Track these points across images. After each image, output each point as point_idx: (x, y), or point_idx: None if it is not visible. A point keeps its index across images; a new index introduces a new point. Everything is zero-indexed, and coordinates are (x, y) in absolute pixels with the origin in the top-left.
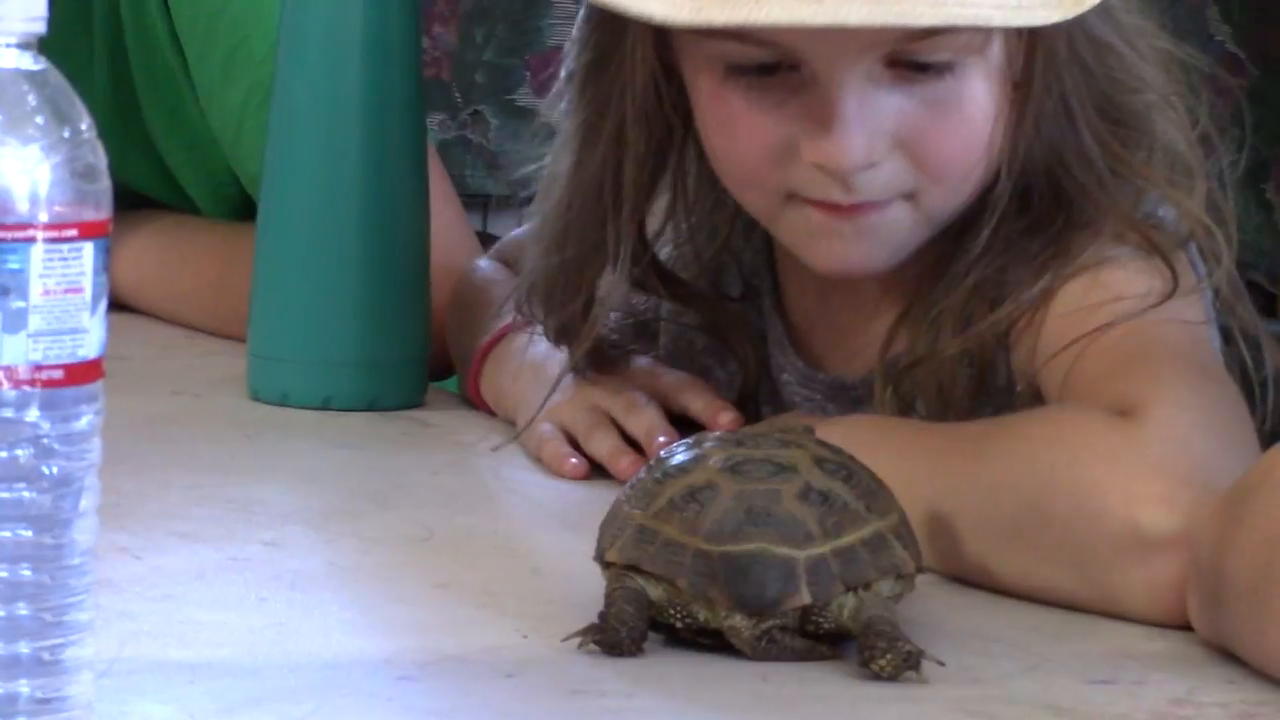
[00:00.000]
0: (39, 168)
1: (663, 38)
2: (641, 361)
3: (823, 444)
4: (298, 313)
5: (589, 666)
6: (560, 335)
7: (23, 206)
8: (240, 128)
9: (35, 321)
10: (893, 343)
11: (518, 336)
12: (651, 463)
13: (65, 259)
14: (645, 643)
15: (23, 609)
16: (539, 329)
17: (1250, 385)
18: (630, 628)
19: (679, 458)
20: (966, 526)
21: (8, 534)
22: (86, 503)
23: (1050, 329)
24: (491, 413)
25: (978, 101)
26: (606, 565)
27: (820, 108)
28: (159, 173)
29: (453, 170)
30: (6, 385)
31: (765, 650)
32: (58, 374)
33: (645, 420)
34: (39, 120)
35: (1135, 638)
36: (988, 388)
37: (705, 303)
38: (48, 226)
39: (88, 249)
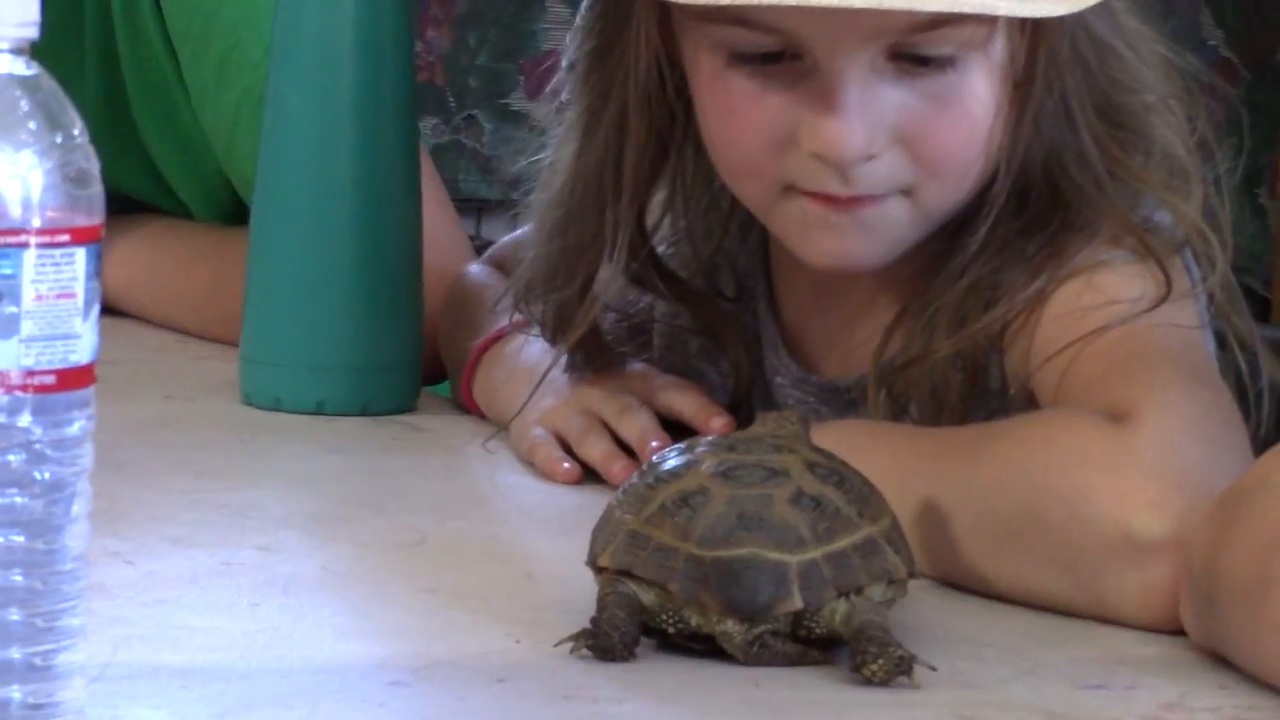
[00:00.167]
0: (31, 173)
1: (666, 25)
2: (635, 365)
3: (815, 449)
4: (290, 317)
5: (581, 672)
6: (556, 322)
7: (15, 212)
8: (234, 131)
9: (27, 327)
10: (887, 345)
11: (511, 340)
12: (644, 467)
13: (57, 264)
14: (637, 648)
15: (14, 614)
16: (533, 331)
17: (1246, 392)
18: (622, 633)
19: (671, 463)
20: (959, 531)
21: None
22: (78, 508)
23: (1044, 332)
24: (484, 417)
25: (979, 98)
26: (599, 570)
27: (822, 97)
28: (151, 177)
29: (446, 175)
30: None
31: (757, 655)
32: (50, 379)
33: (638, 425)
34: (31, 126)
35: (1128, 643)
36: (981, 390)
37: (700, 302)
38: (40, 232)
39: (80, 254)
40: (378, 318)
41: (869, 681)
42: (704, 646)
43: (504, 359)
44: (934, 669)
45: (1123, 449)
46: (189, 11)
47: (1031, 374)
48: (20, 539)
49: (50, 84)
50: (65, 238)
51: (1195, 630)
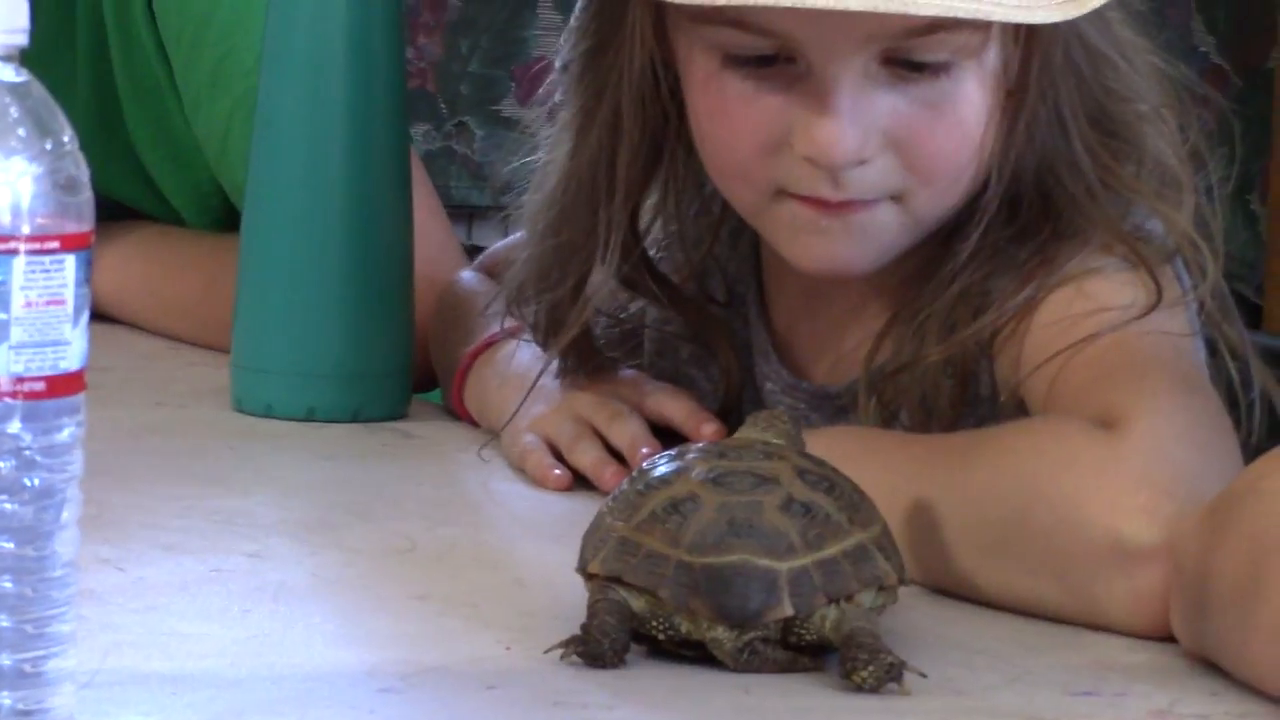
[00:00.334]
0: (21, 180)
1: (661, 26)
2: (625, 372)
3: (805, 455)
4: (281, 324)
5: (571, 678)
6: (548, 324)
7: (4, 219)
8: (227, 138)
9: (17, 333)
10: (877, 351)
11: (503, 346)
12: (634, 474)
13: (47, 271)
14: (627, 654)
15: (4, 621)
16: (525, 336)
17: (1237, 401)
18: (612, 639)
19: (662, 469)
20: (949, 538)
21: None
22: (68, 514)
23: (1034, 339)
24: (475, 424)
25: (971, 104)
26: (589, 577)
27: (815, 100)
28: (142, 183)
29: (438, 181)
30: None
31: (747, 662)
32: (39, 386)
33: (629, 431)
34: (21, 133)
35: (1118, 649)
36: (971, 397)
37: (691, 307)
38: (29, 239)
39: (70, 261)
40: (369, 324)
41: (859, 688)
42: (694, 653)
43: (495, 365)
44: (924, 675)
45: (1112, 456)
46: (182, 18)
47: (1022, 381)
48: (10, 545)
49: (40, 91)
50: (55, 244)
51: (1185, 636)
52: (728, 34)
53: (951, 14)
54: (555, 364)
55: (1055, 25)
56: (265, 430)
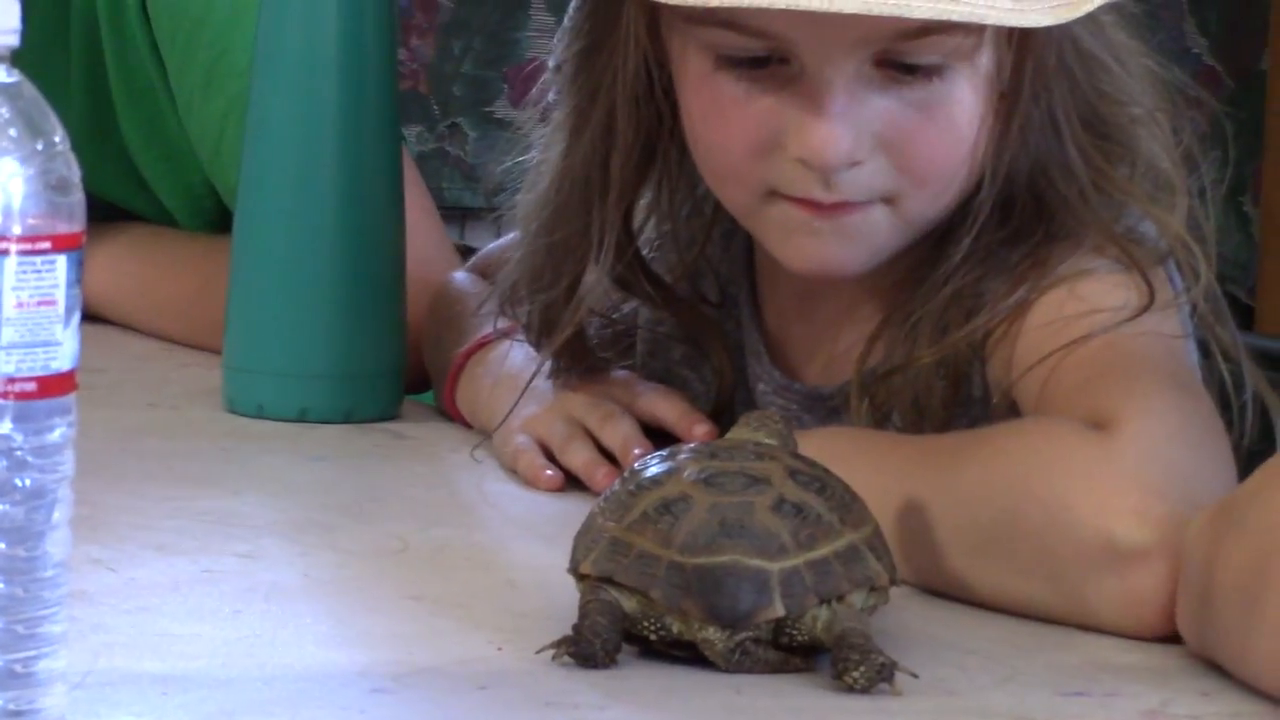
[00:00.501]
0: (12, 180)
1: (655, 26)
2: (618, 373)
3: (797, 456)
4: (273, 325)
5: (563, 679)
6: (542, 324)
7: None
8: (220, 139)
9: (8, 334)
10: (870, 353)
11: (495, 347)
12: (626, 475)
13: (38, 271)
14: (619, 655)
15: None
16: (518, 336)
17: (1229, 402)
18: (604, 640)
19: (653, 470)
20: (941, 538)
21: None
22: (60, 515)
23: (1026, 341)
24: (467, 425)
25: (964, 107)
26: (581, 577)
27: (808, 102)
28: (135, 185)
29: (430, 182)
30: None
31: (738, 662)
32: (30, 386)
33: (620, 432)
34: (12, 133)
35: (1109, 650)
36: (963, 398)
37: (683, 308)
38: (20, 239)
39: (61, 261)
40: (361, 325)
41: (850, 689)
42: (686, 654)
43: (488, 366)
44: (915, 676)
45: (1104, 457)
46: (176, 19)
47: (1014, 382)
48: (1, 546)
49: (31, 91)
50: (46, 245)
51: (1190, 634)
52: (721, 35)
53: (945, 17)
54: (548, 364)
55: (1049, 29)
56: (257, 431)
